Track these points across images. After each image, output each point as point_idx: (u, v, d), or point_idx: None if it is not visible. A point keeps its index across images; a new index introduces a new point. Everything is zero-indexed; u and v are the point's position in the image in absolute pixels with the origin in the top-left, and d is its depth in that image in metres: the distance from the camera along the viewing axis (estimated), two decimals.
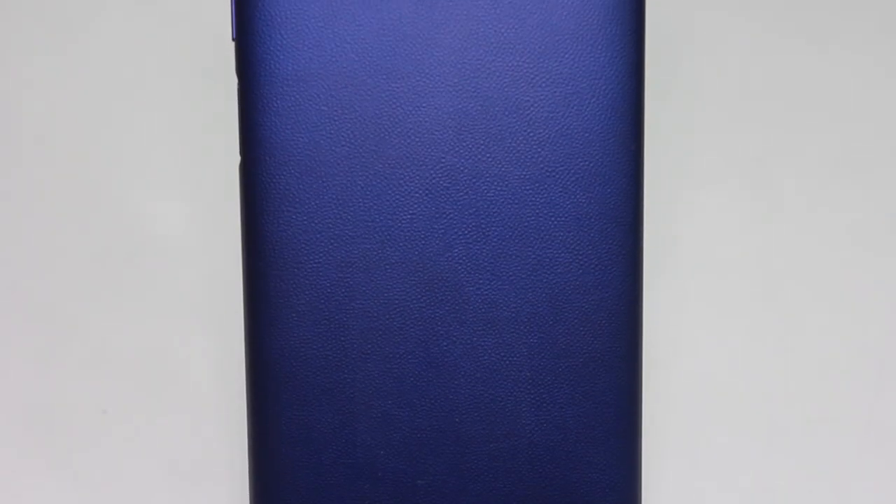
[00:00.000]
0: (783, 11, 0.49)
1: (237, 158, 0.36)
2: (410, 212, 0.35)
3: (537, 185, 0.35)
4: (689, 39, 0.49)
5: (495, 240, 0.35)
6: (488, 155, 0.35)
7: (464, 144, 0.35)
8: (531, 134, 0.35)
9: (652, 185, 0.45)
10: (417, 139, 0.35)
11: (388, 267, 0.35)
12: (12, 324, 0.47)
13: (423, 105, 0.35)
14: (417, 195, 0.35)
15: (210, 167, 0.46)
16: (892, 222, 0.48)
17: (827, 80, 0.49)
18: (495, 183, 0.35)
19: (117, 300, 0.47)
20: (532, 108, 0.35)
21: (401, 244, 0.35)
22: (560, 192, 0.35)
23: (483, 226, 0.35)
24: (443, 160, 0.35)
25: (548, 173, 0.35)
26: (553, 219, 0.35)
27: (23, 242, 0.48)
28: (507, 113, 0.35)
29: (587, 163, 0.35)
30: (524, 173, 0.35)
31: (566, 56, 0.35)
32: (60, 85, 0.48)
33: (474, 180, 0.35)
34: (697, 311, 0.47)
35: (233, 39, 0.35)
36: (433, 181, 0.35)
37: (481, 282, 0.36)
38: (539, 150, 0.35)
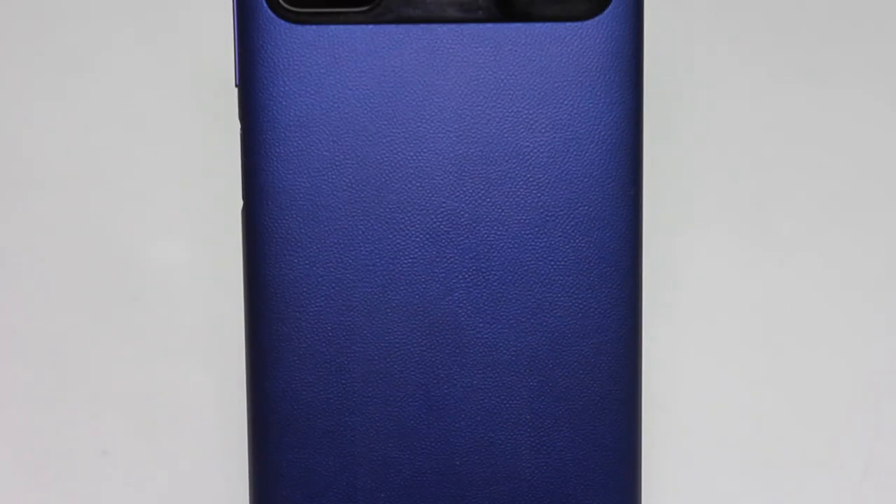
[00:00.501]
0: (782, 51, 0.50)
1: (240, 202, 0.37)
2: (411, 256, 0.36)
3: (537, 229, 0.36)
4: (688, 81, 0.49)
5: (496, 284, 0.36)
6: (489, 199, 0.36)
7: (464, 189, 0.35)
8: (531, 179, 0.35)
9: (651, 227, 0.46)
10: (418, 184, 0.35)
11: (389, 310, 0.36)
12: (13, 364, 0.47)
13: (425, 150, 0.35)
14: (418, 239, 0.36)
15: (213, 209, 0.47)
16: (892, 266, 0.49)
17: (827, 122, 0.49)
18: (496, 227, 0.36)
19: (118, 341, 0.47)
20: (532, 154, 0.35)
21: (402, 288, 0.36)
22: (560, 236, 0.36)
23: (483, 270, 0.36)
24: (444, 205, 0.36)
25: (548, 218, 0.36)
26: (553, 263, 0.36)
27: (23, 282, 0.48)
28: (507, 158, 0.35)
29: (587, 207, 0.36)
30: (524, 218, 0.36)
31: (566, 102, 0.35)
32: (63, 125, 0.49)
33: (475, 225, 0.36)
34: (697, 354, 0.47)
35: (236, 86, 0.36)
36: (434, 225, 0.36)
37: (482, 325, 0.36)
38: (539, 194, 0.36)
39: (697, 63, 0.49)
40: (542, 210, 0.36)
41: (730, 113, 0.49)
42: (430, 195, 0.35)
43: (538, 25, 0.35)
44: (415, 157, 0.35)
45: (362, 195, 0.35)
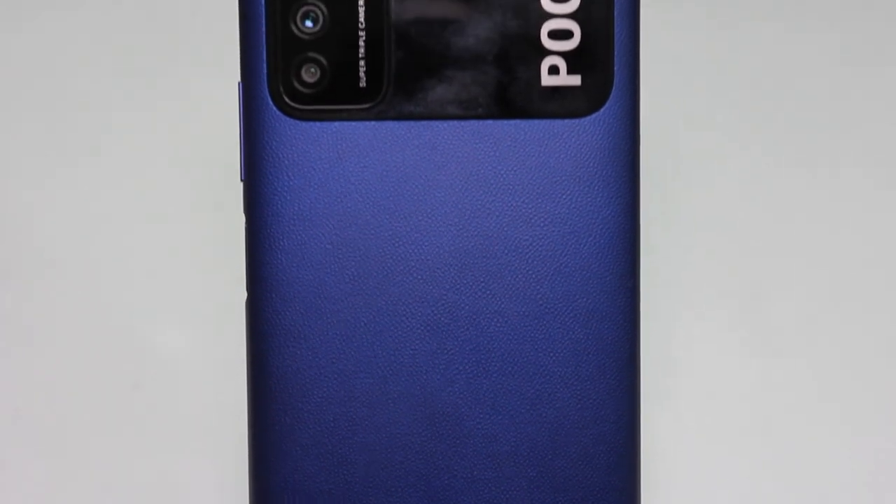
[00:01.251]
0: (780, 136, 0.50)
1: (243, 293, 0.37)
2: (413, 347, 0.36)
3: (536, 321, 0.36)
4: (686, 164, 0.50)
5: (495, 375, 0.36)
6: (488, 292, 0.36)
7: (465, 282, 0.36)
8: (530, 272, 0.36)
9: (649, 313, 0.46)
10: (419, 277, 0.36)
11: (390, 401, 0.36)
12: (15, 451, 0.47)
13: (426, 244, 0.36)
14: (419, 331, 0.36)
15: (217, 298, 0.47)
16: (891, 351, 0.49)
17: (827, 207, 0.50)
18: (495, 319, 0.36)
19: (120, 429, 0.47)
20: (531, 247, 0.36)
21: (403, 379, 0.36)
22: (559, 328, 0.36)
23: (483, 361, 0.36)
24: (444, 297, 0.36)
25: (546, 310, 0.36)
26: (552, 354, 0.36)
27: (25, 368, 0.48)
28: (506, 251, 0.36)
29: (585, 300, 0.36)
30: (523, 310, 0.36)
31: (564, 197, 0.36)
32: (68, 211, 0.50)
33: (475, 317, 0.36)
34: (696, 442, 0.47)
35: (241, 180, 0.36)
36: (435, 317, 0.36)
37: (482, 416, 0.36)
38: (538, 287, 0.36)
39: (695, 146, 0.50)
40: (540, 302, 0.36)
41: (728, 197, 0.50)
42: (431, 288, 0.36)
43: (537, 122, 0.36)
44: (416, 251, 0.36)
45: (364, 287, 0.36)
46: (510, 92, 0.36)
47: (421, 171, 0.36)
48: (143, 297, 0.48)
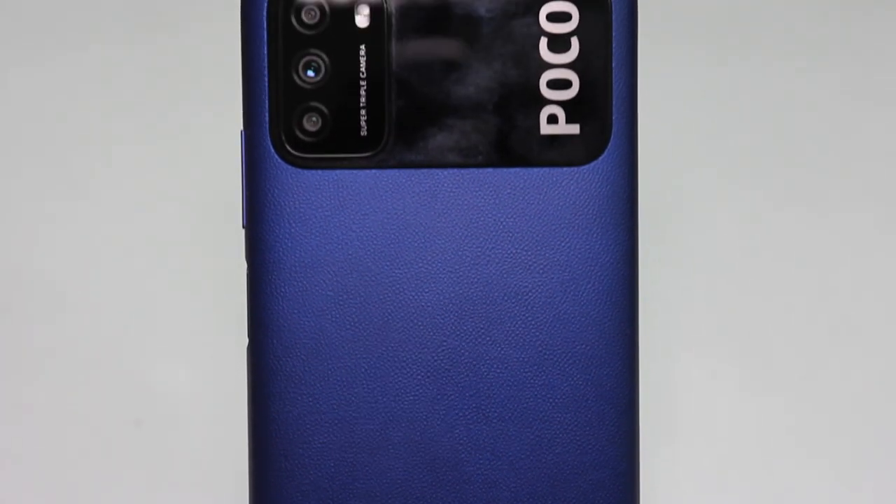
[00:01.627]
0: (779, 175, 0.51)
1: (245, 332, 0.37)
2: (413, 394, 0.36)
3: (536, 367, 0.36)
4: (684, 204, 0.50)
5: (495, 421, 0.36)
6: (488, 338, 0.36)
7: (465, 328, 0.36)
8: (530, 318, 0.36)
9: (648, 354, 0.46)
10: (420, 323, 0.36)
11: (391, 447, 0.36)
12: (16, 490, 0.48)
13: (426, 291, 0.36)
14: (420, 377, 0.36)
15: (219, 340, 0.48)
16: (890, 390, 0.49)
17: (825, 248, 0.50)
18: (495, 366, 0.36)
19: (121, 467, 0.47)
20: (530, 294, 0.36)
21: (404, 425, 0.36)
22: (558, 374, 0.36)
23: (483, 407, 0.36)
24: (444, 343, 0.36)
25: (546, 356, 0.36)
26: (551, 400, 0.36)
27: (26, 407, 0.48)
28: (506, 298, 0.36)
29: (584, 346, 0.36)
30: (523, 356, 0.36)
31: (563, 244, 0.36)
32: (69, 251, 0.50)
33: (475, 363, 0.36)
34: (695, 484, 0.47)
35: (243, 227, 0.37)
36: (435, 364, 0.36)
37: (482, 462, 0.36)
38: (537, 334, 0.36)
39: (693, 186, 0.50)
40: (540, 349, 0.36)
41: (727, 237, 0.50)
42: (431, 334, 0.36)
43: (536, 170, 0.36)
44: (416, 297, 0.36)
45: (365, 334, 0.36)
46: (510, 140, 0.36)
47: (421, 218, 0.36)
48: (146, 335, 0.49)
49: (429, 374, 0.36)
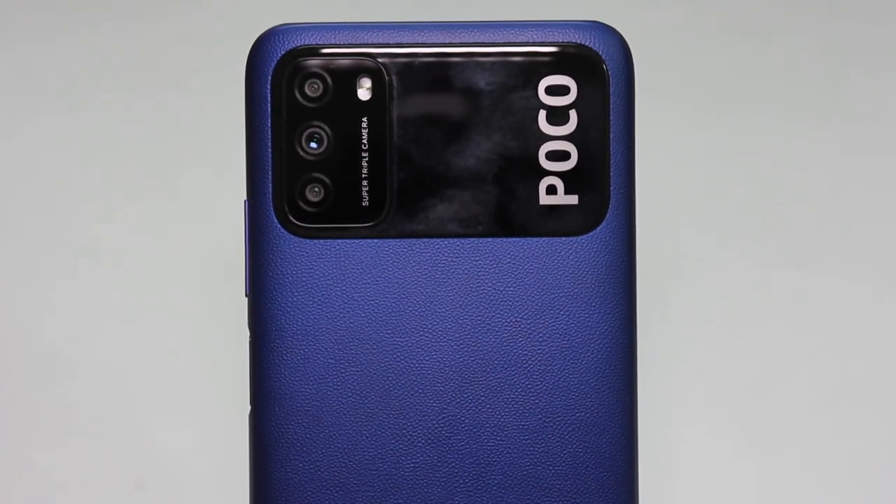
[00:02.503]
0: (778, 233, 0.51)
1: (247, 406, 0.38)
2: (413, 461, 0.37)
3: (535, 435, 0.37)
4: (683, 266, 0.51)
5: (495, 488, 0.37)
6: (488, 406, 0.37)
7: (465, 396, 0.37)
8: (529, 386, 0.37)
9: (648, 416, 0.47)
10: (420, 391, 0.37)
11: None
12: None
13: (426, 359, 0.37)
14: (420, 445, 0.37)
15: (223, 407, 0.48)
16: (890, 453, 0.49)
17: (824, 307, 0.51)
18: (495, 433, 0.37)
19: None
20: (530, 362, 0.37)
21: (404, 492, 0.37)
22: (557, 441, 0.37)
23: (483, 475, 0.37)
24: (445, 411, 0.37)
25: (545, 424, 0.37)
26: (551, 468, 0.37)
27: (27, 466, 0.49)
28: (506, 366, 0.37)
29: (583, 414, 0.37)
30: (523, 423, 0.37)
31: (562, 312, 0.37)
32: (71, 311, 0.50)
33: (475, 430, 0.37)
34: None
35: (246, 295, 0.37)
36: (435, 431, 0.37)
37: None
38: (537, 401, 0.37)
39: (690, 248, 0.51)
40: (539, 416, 0.37)
41: (725, 300, 0.50)
42: (431, 402, 0.37)
43: (535, 240, 0.37)
44: (417, 365, 0.37)
45: (366, 401, 0.37)
46: (509, 211, 0.37)
47: (422, 287, 0.37)
48: (148, 400, 0.49)
49: (429, 441, 0.37)
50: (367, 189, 0.37)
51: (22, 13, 0.51)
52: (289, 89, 0.37)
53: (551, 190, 0.37)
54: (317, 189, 0.37)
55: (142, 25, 0.52)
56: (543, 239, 0.37)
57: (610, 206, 0.37)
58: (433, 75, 0.37)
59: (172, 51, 0.52)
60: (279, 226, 0.37)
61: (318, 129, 0.37)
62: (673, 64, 0.52)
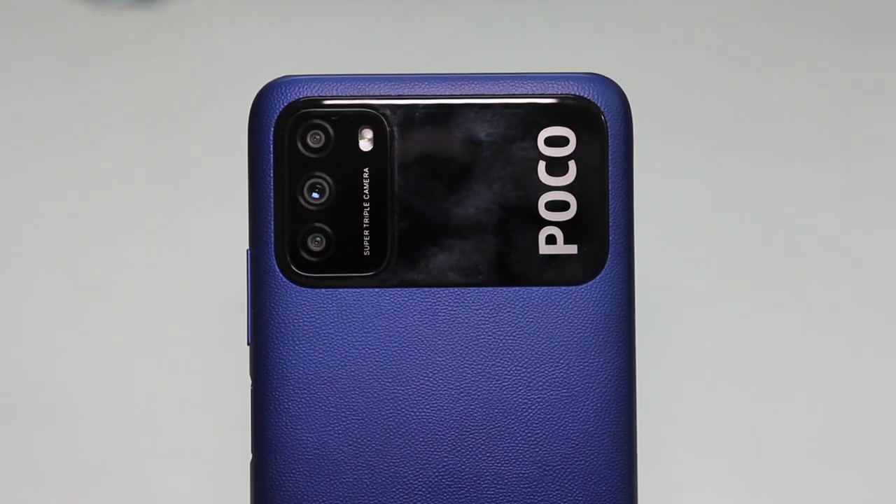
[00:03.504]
0: (777, 278, 0.51)
1: (248, 454, 0.38)
2: None
3: (536, 483, 0.37)
4: (684, 309, 0.51)
5: None
6: (489, 455, 0.37)
7: (465, 445, 0.37)
8: (529, 435, 0.37)
9: (647, 461, 0.47)
10: (421, 440, 0.37)
11: None
12: None
13: (427, 407, 0.37)
14: (421, 493, 0.37)
15: (224, 455, 0.48)
16: (891, 497, 0.49)
17: (823, 352, 0.51)
18: (495, 482, 0.37)
19: None
20: (530, 411, 0.37)
21: None
22: (558, 490, 0.37)
23: None
24: (445, 460, 0.37)
25: (546, 472, 0.37)
26: None
27: None
28: (506, 415, 0.37)
29: (583, 462, 0.37)
30: (523, 472, 0.37)
31: (562, 361, 0.37)
32: (73, 353, 0.50)
33: (475, 479, 0.37)
34: None
35: (248, 344, 0.37)
36: (436, 480, 0.37)
37: None
38: (537, 450, 0.37)
39: (692, 291, 0.51)
40: (540, 464, 0.37)
41: (724, 343, 0.50)
42: (432, 451, 0.37)
43: (535, 289, 0.37)
44: (418, 414, 0.37)
45: (367, 450, 0.37)
46: (509, 260, 0.37)
47: (423, 336, 0.37)
48: (149, 448, 0.49)
49: (430, 490, 0.37)
50: (368, 238, 0.37)
51: (27, 56, 0.51)
52: (291, 140, 0.37)
53: (551, 240, 0.37)
54: (318, 238, 0.37)
55: (148, 70, 0.52)
56: (543, 288, 0.37)
57: (609, 256, 0.37)
58: (434, 126, 0.37)
59: (179, 96, 0.52)
60: (281, 275, 0.37)
61: (320, 180, 0.37)
62: (671, 107, 0.52)
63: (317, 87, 0.37)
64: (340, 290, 0.37)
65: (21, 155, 0.53)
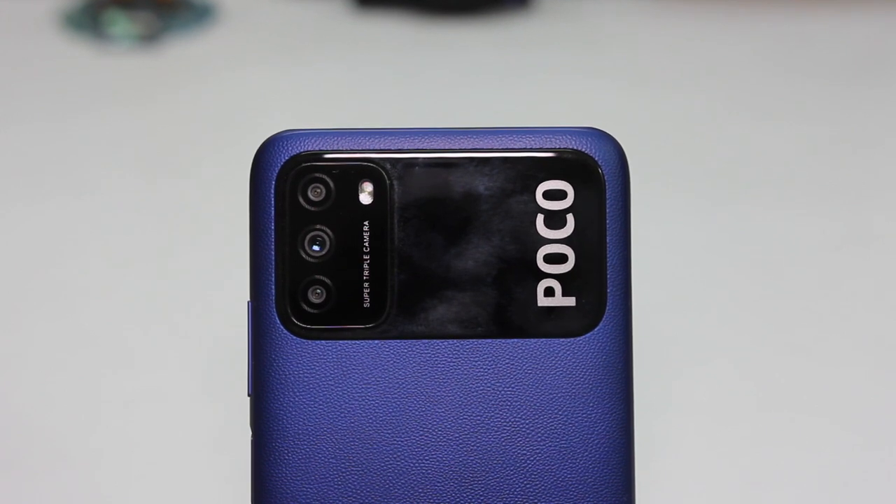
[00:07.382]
0: (775, 323, 0.52)
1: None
2: None
3: None
4: (678, 357, 0.51)
5: None
6: None
7: (464, 496, 0.37)
8: (528, 486, 0.37)
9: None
10: (421, 491, 0.37)
11: None
12: None
13: (426, 459, 0.37)
14: None
15: (224, 495, 0.48)
16: None
17: (821, 397, 0.51)
18: None
19: None
20: (529, 462, 0.37)
21: None
22: None
23: None
24: None
25: None
26: None
27: None
28: (505, 466, 0.37)
29: None
30: None
31: (560, 413, 0.37)
32: (73, 401, 0.51)
33: None
34: None
35: (248, 395, 0.38)
36: None
37: None
38: (536, 501, 0.37)
39: (691, 339, 0.51)
40: None
41: (724, 388, 0.51)
42: (431, 502, 0.37)
43: (533, 341, 0.37)
44: (417, 465, 0.37)
45: (367, 501, 0.37)
46: (508, 312, 0.37)
47: (422, 387, 0.37)
48: (148, 497, 0.49)
49: None
50: (368, 291, 0.37)
51: (28, 99, 0.52)
52: (292, 193, 0.37)
53: (549, 292, 0.37)
54: (319, 291, 0.37)
55: (148, 114, 0.53)
56: (541, 340, 0.37)
57: (607, 308, 0.37)
58: (434, 180, 0.37)
59: (180, 140, 0.53)
60: (281, 327, 0.37)
61: (320, 233, 0.37)
62: (668, 153, 0.53)
63: (317, 142, 0.38)
64: (340, 342, 0.37)
65: (20, 199, 0.53)
